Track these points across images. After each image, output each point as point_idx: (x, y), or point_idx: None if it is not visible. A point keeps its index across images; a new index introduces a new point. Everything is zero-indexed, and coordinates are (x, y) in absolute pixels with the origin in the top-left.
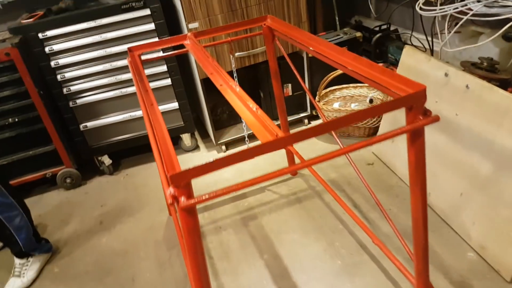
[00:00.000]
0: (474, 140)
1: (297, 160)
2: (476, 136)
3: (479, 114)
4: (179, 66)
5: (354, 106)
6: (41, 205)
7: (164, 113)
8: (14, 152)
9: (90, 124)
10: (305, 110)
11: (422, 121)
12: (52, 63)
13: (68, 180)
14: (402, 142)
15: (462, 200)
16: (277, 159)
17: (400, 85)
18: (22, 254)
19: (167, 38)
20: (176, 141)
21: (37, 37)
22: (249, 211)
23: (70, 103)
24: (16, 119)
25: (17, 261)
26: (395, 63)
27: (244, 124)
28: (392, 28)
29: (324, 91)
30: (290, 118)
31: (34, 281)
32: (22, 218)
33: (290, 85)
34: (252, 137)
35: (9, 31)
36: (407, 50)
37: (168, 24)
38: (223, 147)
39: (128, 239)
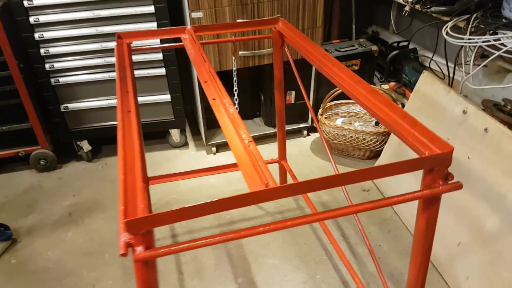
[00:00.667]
0: (484, 189)
1: (289, 178)
2: (487, 186)
3: (494, 162)
4: (177, 54)
5: (358, 125)
6: (9, 185)
7: (154, 104)
8: None
9: (72, 105)
10: (306, 121)
11: (442, 188)
12: (36, 35)
13: (42, 162)
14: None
15: (459, 250)
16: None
17: (423, 138)
18: None
19: (163, 29)
20: (164, 135)
21: (21, 5)
22: (230, 225)
23: (52, 81)
24: None
25: None
26: (408, 85)
27: None
28: (411, 46)
29: (329, 104)
30: (289, 127)
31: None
32: None
33: (293, 92)
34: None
35: None
36: (425, 76)
37: (170, 9)
38: (213, 149)
39: (96, 238)
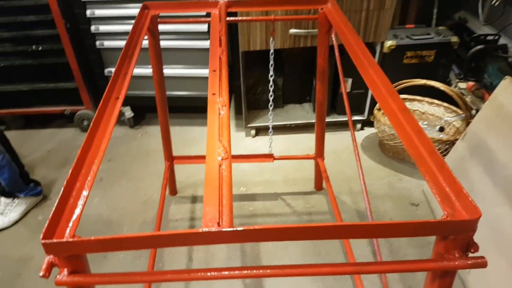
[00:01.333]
0: None
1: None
2: None
3: None
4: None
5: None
6: (53, 141)
7: (196, 78)
8: (36, 80)
9: None
10: (362, 113)
11: (459, 263)
12: None
13: (85, 122)
14: None
15: None
16: (304, 164)
17: (447, 187)
18: (6, 193)
19: (193, 1)
20: (204, 109)
21: None
22: (251, 218)
23: (97, 43)
24: (40, 48)
25: (2, 199)
26: (490, 88)
27: (270, 113)
28: (501, 41)
29: None
30: (341, 119)
31: (15, 223)
32: (4, 157)
33: (350, 80)
34: (280, 128)
35: None
36: (507, 83)
37: None
38: (252, 132)
39: (118, 208)
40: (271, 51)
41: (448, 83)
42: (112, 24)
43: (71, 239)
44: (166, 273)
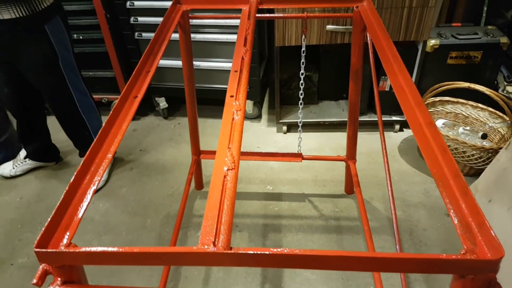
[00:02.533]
0: None
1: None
2: None
3: None
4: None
5: (462, 132)
6: None
7: (229, 71)
8: None
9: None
10: (401, 114)
11: None
12: None
13: None
14: (500, 204)
15: None
16: (337, 165)
17: (469, 217)
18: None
19: None
20: None
21: None
22: (276, 219)
23: (136, 34)
24: (81, 37)
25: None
26: None
27: (300, 111)
28: None
29: (431, 99)
30: (374, 118)
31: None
32: (99, 120)
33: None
34: (314, 125)
35: None
36: None
37: None
38: (284, 128)
39: (145, 200)
40: (303, 48)
41: (496, 86)
42: (150, 16)
43: (65, 250)
44: None
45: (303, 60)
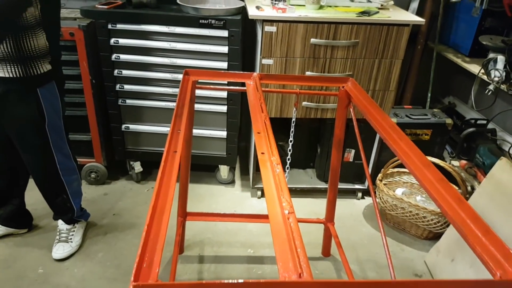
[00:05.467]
0: None
1: (333, 244)
2: None
3: None
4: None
5: (420, 200)
6: None
7: (209, 138)
8: None
9: (133, 126)
10: (363, 183)
11: None
12: (113, 56)
13: (92, 175)
14: (462, 263)
15: None
16: (311, 228)
17: (496, 252)
18: (71, 220)
19: (230, 72)
20: (213, 168)
21: (105, 26)
22: None
23: (119, 101)
24: None
25: (63, 226)
26: (481, 166)
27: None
28: (490, 126)
29: (391, 170)
30: (342, 186)
31: (80, 246)
32: (79, 183)
33: (353, 151)
34: (299, 192)
35: (80, 12)
36: (503, 163)
37: (245, 52)
38: (259, 193)
39: (123, 265)
40: (293, 119)
41: (443, 161)
42: (136, 84)
43: (157, 283)
44: None
45: (292, 129)
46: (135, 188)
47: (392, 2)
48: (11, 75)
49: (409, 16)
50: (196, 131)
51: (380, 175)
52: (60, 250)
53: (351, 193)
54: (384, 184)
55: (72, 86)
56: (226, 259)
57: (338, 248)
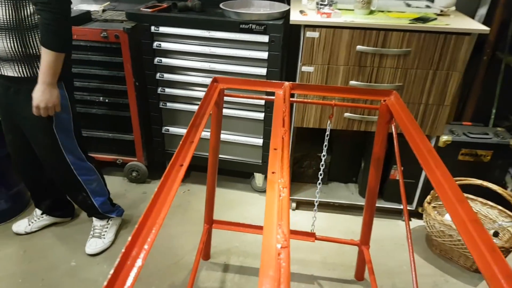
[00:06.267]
0: None
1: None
2: None
3: None
4: None
5: None
6: None
7: (244, 145)
8: (96, 128)
9: (172, 129)
10: (410, 203)
11: None
12: (156, 60)
13: (134, 173)
14: None
15: None
16: (346, 248)
17: None
18: (102, 216)
19: (260, 80)
20: (249, 175)
21: (149, 29)
22: None
23: (161, 104)
24: (107, 100)
25: (97, 222)
26: None
27: (317, 190)
28: None
29: None
30: (388, 205)
31: (112, 243)
32: (99, 183)
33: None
34: (323, 205)
35: (126, 14)
36: None
37: (290, 59)
38: (293, 205)
39: (148, 265)
40: (327, 132)
41: (504, 186)
42: (176, 88)
43: None
44: None
45: (326, 143)
46: None
47: (453, 8)
48: (19, 75)
49: (471, 24)
50: (231, 137)
51: (429, 197)
52: (93, 245)
53: (396, 214)
54: (433, 207)
55: (117, 88)
56: (251, 270)
57: (370, 275)
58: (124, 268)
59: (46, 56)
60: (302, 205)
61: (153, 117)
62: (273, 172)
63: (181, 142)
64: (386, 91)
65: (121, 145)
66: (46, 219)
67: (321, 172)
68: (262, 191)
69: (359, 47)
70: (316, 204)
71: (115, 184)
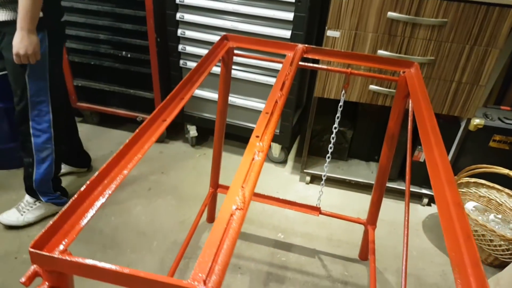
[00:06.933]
0: None
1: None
2: None
3: None
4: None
5: (493, 220)
6: (119, 142)
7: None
8: (119, 84)
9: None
10: (431, 188)
11: None
12: (178, 15)
13: None
14: None
15: None
16: (355, 227)
17: None
18: (32, 192)
19: (272, 41)
20: None
21: None
22: (281, 270)
23: (181, 62)
24: (129, 55)
25: (27, 197)
26: None
27: (326, 164)
28: None
29: (466, 179)
30: (402, 187)
31: (29, 225)
32: (50, 155)
33: None
34: (339, 182)
35: None
36: None
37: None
38: (307, 178)
39: (155, 222)
40: (341, 103)
41: None
42: (198, 47)
43: (58, 256)
44: None
45: (338, 114)
46: (188, 151)
47: None
48: (3, 18)
49: None
50: (248, 103)
51: None
52: (7, 215)
53: (416, 198)
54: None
55: (139, 43)
56: (253, 238)
57: (371, 255)
58: (75, 213)
59: (21, 1)
60: (317, 179)
61: (173, 76)
62: (256, 136)
63: (169, 96)
64: (407, 62)
65: (141, 102)
66: (63, 167)
67: (331, 145)
68: (279, 162)
69: (390, 14)
70: (323, 178)
71: None
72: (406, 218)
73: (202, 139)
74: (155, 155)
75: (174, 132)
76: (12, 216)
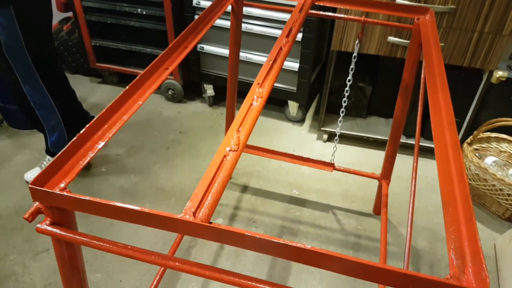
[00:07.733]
0: None
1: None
2: None
3: None
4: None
5: (511, 174)
6: None
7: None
8: (135, 42)
9: (208, 48)
10: None
11: None
12: None
13: (170, 92)
14: None
15: None
16: (370, 183)
17: (466, 242)
18: (51, 154)
19: None
20: (283, 103)
21: None
22: (294, 224)
23: (195, 17)
24: (144, 12)
25: (48, 157)
26: None
27: (340, 119)
28: None
29: (487, 134)
30: (426, 144)
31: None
32: (59, 123)
33: None
34: (357, 139)
35: None
36: None
37: None
38: (325, 136)
39: (174, 179)
40: (355, 53)
41: None
42: (213, 1)
43: (57, 192)
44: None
45: (352, 66)
46: (206, 111)
47: None
48: None
49: None
50: (264, 60)
51: (470, 138)
52: (31, 173)
53: (430, 152)
54: (475, 149)
55: None
56: (268, 194)
57: (383, 208)
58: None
59: None
60: (334, 137)
61: None
62: (258, 83)
63: (171, 44)
64: (421, 8)
65: None
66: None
67: (345, 99)
68: (296, 121)
69: None
70: (337, 133)
71: (152, 101)
72: (415, 166)
73: (219, 99)
74: (173, 115)
75: (192, 92)
76: (36, 174)
